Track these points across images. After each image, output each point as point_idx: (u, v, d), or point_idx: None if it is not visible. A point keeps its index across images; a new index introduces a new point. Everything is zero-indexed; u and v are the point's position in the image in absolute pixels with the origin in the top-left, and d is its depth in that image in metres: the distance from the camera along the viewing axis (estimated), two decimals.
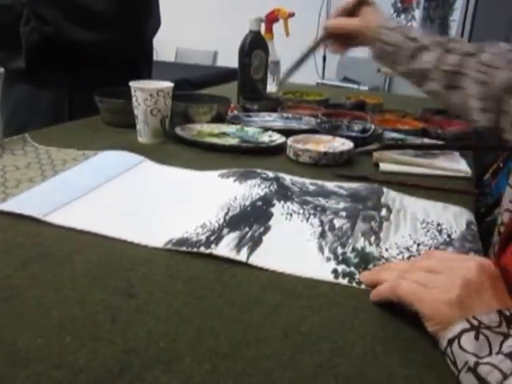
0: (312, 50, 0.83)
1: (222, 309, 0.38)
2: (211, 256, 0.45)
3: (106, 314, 0.36)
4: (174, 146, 0.81)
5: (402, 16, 2.61)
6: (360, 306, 0.39)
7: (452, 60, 0.65)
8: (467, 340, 0.32)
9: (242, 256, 0.45)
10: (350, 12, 0.75)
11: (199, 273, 0.43)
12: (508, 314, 0.33)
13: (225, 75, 2.50)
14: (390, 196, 0.62)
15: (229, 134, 0.88)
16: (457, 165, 0.76)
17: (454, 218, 0.56)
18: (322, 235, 0.51)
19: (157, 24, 1.13)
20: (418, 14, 2.55)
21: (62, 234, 0.48)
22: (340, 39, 0.77)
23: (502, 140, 0.63)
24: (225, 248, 0.46)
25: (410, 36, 0.67)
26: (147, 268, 0.43)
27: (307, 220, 0.54)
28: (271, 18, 1.29)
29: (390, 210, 0.57)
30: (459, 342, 0.32)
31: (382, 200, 0.60)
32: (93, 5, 0.96)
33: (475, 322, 0.33)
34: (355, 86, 2.72)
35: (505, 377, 0.30)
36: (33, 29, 0.97)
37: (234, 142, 0.83)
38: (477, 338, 0.32)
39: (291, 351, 0.34)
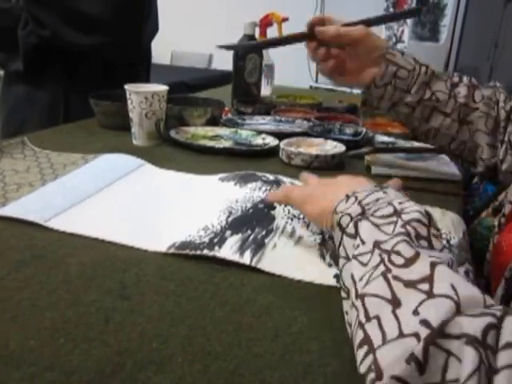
0: (282, 43, 0.70)
1: (213, 309, 0.38)
2: (203, 257, 0.46)
3: (99, 316, 0.37)
4: (169, 148, 0.82)
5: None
6: None
7: (463, 91, 0.59)
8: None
9: (246, 259, 0.45)
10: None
11: (191, 274, 0.43)
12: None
13: (221, 78, 2.51)
14: None
15: (223, 136, 0.88)
16: (446, 168, 0.77)
17: (453, 224, 0.57)
18: (323, 243, 0.51)
19: (154, 28, 1.14)
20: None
21: (56, 237, 0.49)
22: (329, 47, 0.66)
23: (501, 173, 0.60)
24: (228, 250, 0.46)
25: (419, 63, 0.60)
26: (140, 269, 0.44)
27: (307, 227, 0.54)
28: (265, 23, 1.30)
29: None
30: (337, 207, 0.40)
31: None
32: (89, 9, 0.96)
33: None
34: (348, 90, 2.73)
35: (352, 219, 0.38)
36: (30, 32, 0.98)
37: (227, 144, 0.84)
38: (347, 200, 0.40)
39: (281, 351, 0.34)
